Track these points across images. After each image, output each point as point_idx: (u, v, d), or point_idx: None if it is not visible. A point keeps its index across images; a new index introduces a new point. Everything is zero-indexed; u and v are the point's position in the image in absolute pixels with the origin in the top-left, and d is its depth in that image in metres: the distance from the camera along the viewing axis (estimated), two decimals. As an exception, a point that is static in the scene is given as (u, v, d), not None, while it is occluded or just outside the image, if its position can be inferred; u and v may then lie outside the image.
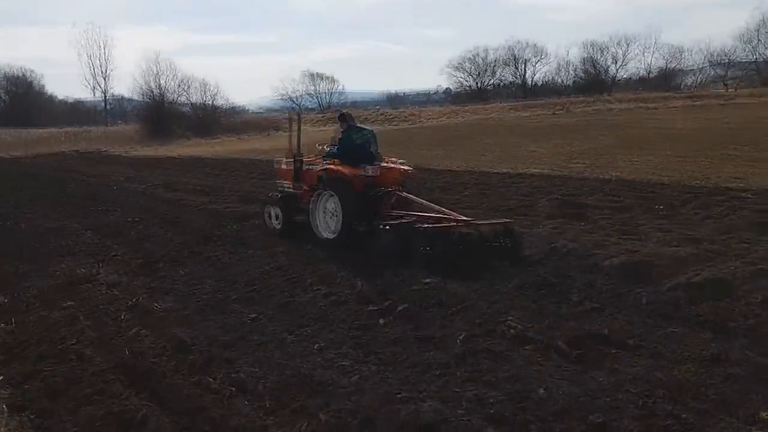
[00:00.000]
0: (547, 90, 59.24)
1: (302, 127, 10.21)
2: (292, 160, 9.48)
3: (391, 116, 52.78)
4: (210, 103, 53.13)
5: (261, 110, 73.15)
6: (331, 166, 8.60)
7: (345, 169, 8.42)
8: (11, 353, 5.51)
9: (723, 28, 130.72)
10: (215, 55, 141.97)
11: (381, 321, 5.40)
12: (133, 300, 6.54)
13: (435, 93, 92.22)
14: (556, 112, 45.34)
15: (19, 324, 6.19)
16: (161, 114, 50.81)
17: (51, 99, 71.90)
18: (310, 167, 9.26)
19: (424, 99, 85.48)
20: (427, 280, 6.43)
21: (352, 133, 8.83)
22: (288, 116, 11.01)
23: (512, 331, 4.96)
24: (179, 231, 10.20)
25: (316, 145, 9.69)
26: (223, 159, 25.10)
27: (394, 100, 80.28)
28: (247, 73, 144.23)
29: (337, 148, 8.90)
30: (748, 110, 31.33)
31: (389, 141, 30.14)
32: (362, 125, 9.36)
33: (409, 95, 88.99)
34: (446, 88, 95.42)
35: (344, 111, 9.61)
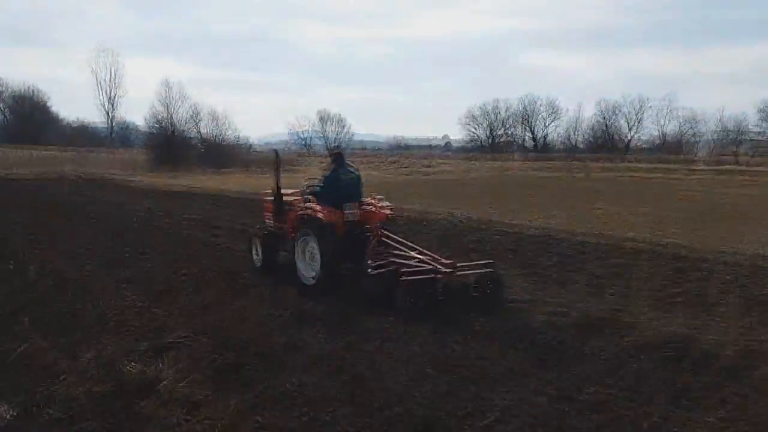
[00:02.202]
0: (559, 148, 57.43)
1: (311, 169, 8.94)
2: (274, 197, 9.04)
3: (404, 164, 50.48)
4: (220, 135, 50.54)
5: (264, 147, 70.54)
6: (311, 208, 7.97)
7: (326, 212, 7.82)
8: None
9: (738, 99, 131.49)
10: (222, 90, 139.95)
11: None
12: (243, 454, 3.69)
13: (438, 143, 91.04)
14: (573, 172, 43.42)
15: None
16: (170, 143, 48.06)
17: (56, 119, 68.87)
18: (291, 207, 8.70)
19: (427, 148, 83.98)
20: None
21: (338, 173, 8.28)
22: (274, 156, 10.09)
23: None
24: (251, 298, 7.33)
25: (302, 182, 9.10)
26: (247, 194, 22.22)
27: (399, 148, 78.59)
28: (253, 110, 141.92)
29: (322, 187, 8.40)
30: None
31: (414, 189, 27.63)
32: (350, 167, 8.66)
33: (412, 144, 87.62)
34: (447, 141, 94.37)
35: (338, 150, 9.16)
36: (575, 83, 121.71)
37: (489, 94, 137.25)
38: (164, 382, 4.68)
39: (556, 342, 6.01)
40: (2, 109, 62.77)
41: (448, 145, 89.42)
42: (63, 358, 5.32)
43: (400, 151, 62.93)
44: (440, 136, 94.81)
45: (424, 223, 14.36)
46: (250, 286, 7.96)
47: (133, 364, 5.06)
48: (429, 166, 47.55)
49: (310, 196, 8.34)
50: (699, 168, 39.59)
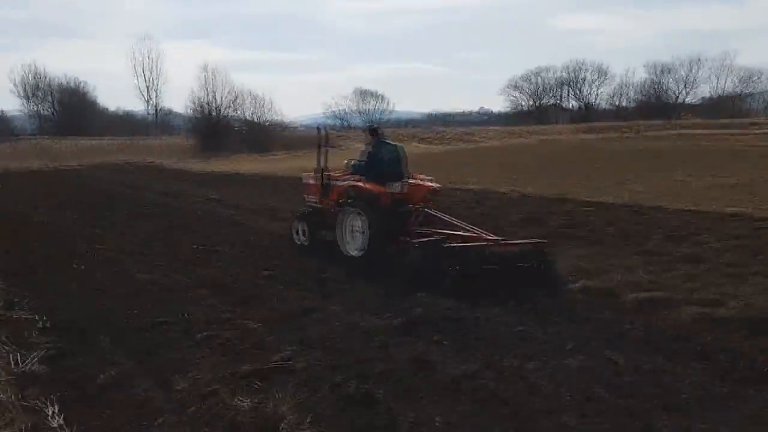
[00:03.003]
0: (607, 113, 54.95)
1: (353, 145, 8.35)
2: (320, 175, 9.00)
3: (447, 136, 49.08)
4: (263, 117, 49.86)
5: (303, 127, 69.90)
6: (358, 183, 8.02)
7: (371, 186, 7.87)
8: None
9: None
10: (255, 72, 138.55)
11: None
12: None
13: (476, 113, 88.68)
14: (625, 136, 41.30)
15: None
16: (215, 127, 47.63)
17: (100, 109, 69.18)
18: (337, 182, 8.71)
19: (464, 120, 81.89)
20: None
21: (380, 148, 8.32)
22: (317, 133, 10.10)
23: None
24: (348, 302, 6.37)
25: (345, 161, 9.11)
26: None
27: (438, 120, 77.03)
28: (289, 90, 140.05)
29: (364, 163, 8.34)
30: None
31: (466, 162, 26.37)
32: (390, 141, 8.69)
33: (451, 116, 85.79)
34: (481, 108, 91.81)
35: (375, 125, 9.07)
36: (620, 47, 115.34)
37: (528, 63, 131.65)
38: (286, 422, 3.77)
39: (729, 348, 4.93)
40: (51, 101, 63.19)
41: (486, 114, 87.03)
42: (155, 388, 4.47)
43: (440, 125, 61.32)
44: (477, 108, 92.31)
45: (494, 203, 13.27)
46: (341, 287, 7.02)
47: (240, 396, 4.17)
48: (474, 139, 46.09)
49: (354, 174, 8.33)
50: (760, 128, 37.22)
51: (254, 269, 7.88)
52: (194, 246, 9.49)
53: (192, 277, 7.58)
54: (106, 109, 70.10)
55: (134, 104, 79.12)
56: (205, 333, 5.48)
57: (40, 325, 6.17)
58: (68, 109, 61.79)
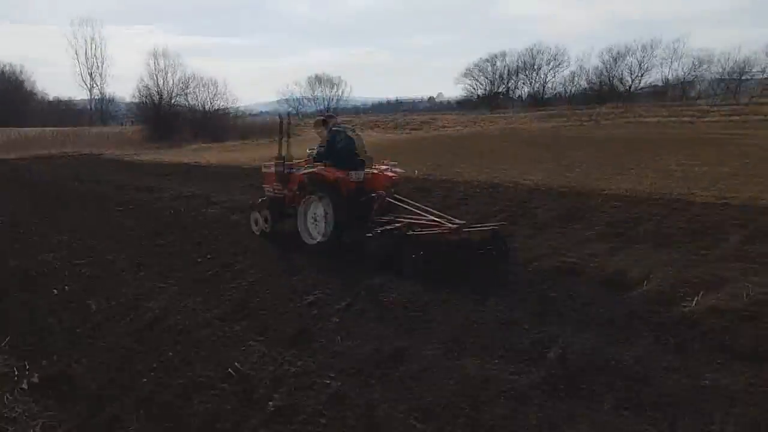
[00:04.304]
0: (558, 99, 54.88)
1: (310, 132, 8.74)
2: (281, 163, 8.85)
3: (405, 124, 47.74)
4: (216, 105, 47.17)
5: (257, 114, 67.11)
6: (319, 170, 7.90)
7: (332, 173, 7.78)
8: None
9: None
10: (205, 58, 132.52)
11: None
12: None
13: (427, 101, 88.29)
14: (584, 121, 41.06)
15: None
16: (164, 115, 44.64)
17: (37, 97, 64.22)
18: (297, 171, 8.63)
19: (416, 107, 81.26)
20: None
21: (336, 136, 8.11)
22: (279, 121, 9.74)
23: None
24: (437, 337, 4.86)
25: (307, 150, 8.95)
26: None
27: (390, 108, 75.99)
28: (240, 76, 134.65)
29: (323, 151, 8.17)
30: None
31: (439, 151, 25.04)
32: (344, 128, 8.36)
33: (402, 102, 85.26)
34: (430, 97, 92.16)
35: (327, 115, 8.94)
36: (571, 34, 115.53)
37: (480, 51, 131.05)
38: None
39: None
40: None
41: (432, 101, 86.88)
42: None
43: (393, 112, 60.05)
44: (433, 94, 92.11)
45: (505, 196, 11.96)
46: (413, 313, 5.50)
47: None
48: (435, 126, 44.91)
49: (316, 162, 8.16)
50: (710, 112, 37.57)
51: (286, 290, 6.24)
52: (200, 259, 7.74)
53: (216, 306, 5.89)
54: (45, 96, 65.25)
55: (76, 93, 73.65)
56: (272, 401, 3.91)
57: (24, 384, 4.49)
58: (1, 97, 56.95)
